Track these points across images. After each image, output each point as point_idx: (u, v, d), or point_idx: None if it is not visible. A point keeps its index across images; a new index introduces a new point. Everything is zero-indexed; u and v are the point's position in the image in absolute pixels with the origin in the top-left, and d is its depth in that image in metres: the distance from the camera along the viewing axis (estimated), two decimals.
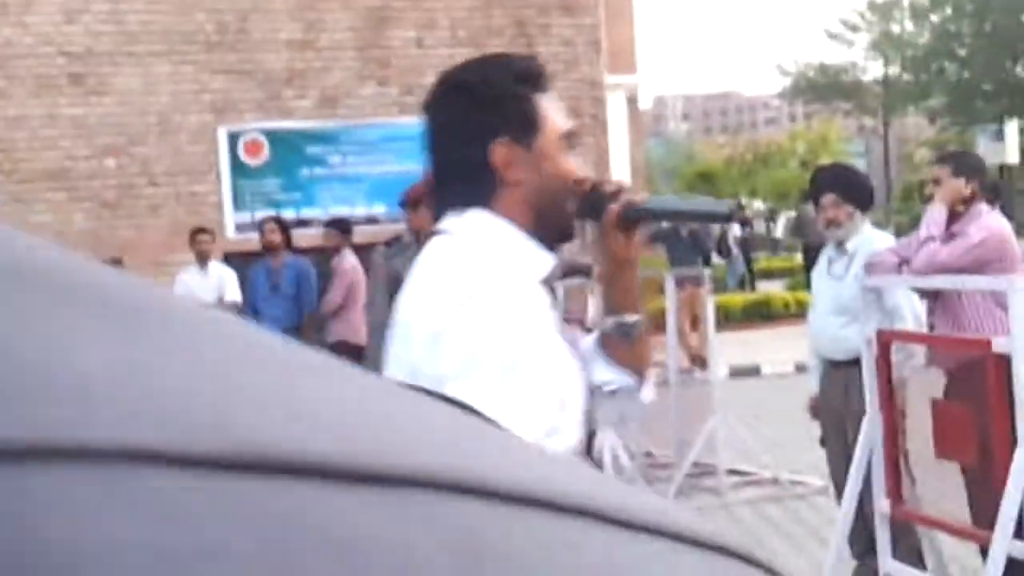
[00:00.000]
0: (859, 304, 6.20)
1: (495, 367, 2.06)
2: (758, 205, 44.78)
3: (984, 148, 34.38)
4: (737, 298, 22.43)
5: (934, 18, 47.82)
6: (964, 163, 6.33)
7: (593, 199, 2.38)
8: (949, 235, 6.03)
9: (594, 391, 2.33)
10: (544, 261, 2.31)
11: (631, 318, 2.44)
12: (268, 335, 0.36)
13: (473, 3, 15.29)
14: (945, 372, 5.86)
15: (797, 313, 19.00)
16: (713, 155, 57.52)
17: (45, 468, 0.25)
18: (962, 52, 45.97)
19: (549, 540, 0.31)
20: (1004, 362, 5.12)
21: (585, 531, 0.32)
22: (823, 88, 60.56)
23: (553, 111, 2.37)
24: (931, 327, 6.26)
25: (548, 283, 2.32)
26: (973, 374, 5.39)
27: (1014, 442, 5.08)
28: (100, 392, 0.27)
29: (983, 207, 6.18)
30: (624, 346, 2.42)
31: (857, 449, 6.06)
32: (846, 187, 6.68)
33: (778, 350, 17.26)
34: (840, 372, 6.53)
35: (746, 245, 29.43)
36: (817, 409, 6.91)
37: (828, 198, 6.58)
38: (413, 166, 14.19)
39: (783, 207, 48.69)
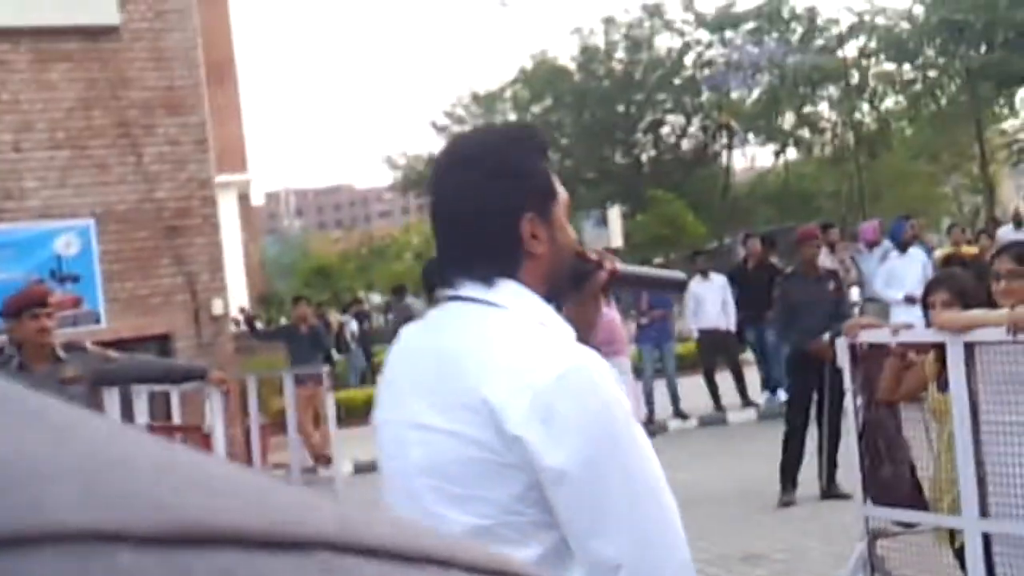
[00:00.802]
0: None
1: (626, 434, 2.11)
2: (375, 299, 45.06)
3: (589, 234, 35.71)
4: (359, 393, 22.41)
5: (535, 109, 49.50)
6: None
7: (576, 267, 2.41)
8: None
9: None
10: (569, 331, 2.30)
11: None
12: (97, 416, 0.37)
13: (71, 104, 14.86)
14: None
15: None
16: (328, 250, 57.69)
17: (27, 554, 0.28)
18: (564, 142, 47.74)
19: None
20: None
21: None
22: None
23: (555, 180, 2.37)
24: None
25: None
26: None
27: None
28: (47, 476, 0.30)
29: None
30: None
31: None
32: None
33: None
34: None
35: (365, 339, 29.50)
36: None
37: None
38: (12, 275, 13.65)
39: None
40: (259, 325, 22.39)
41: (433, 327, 2.33)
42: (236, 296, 19.95)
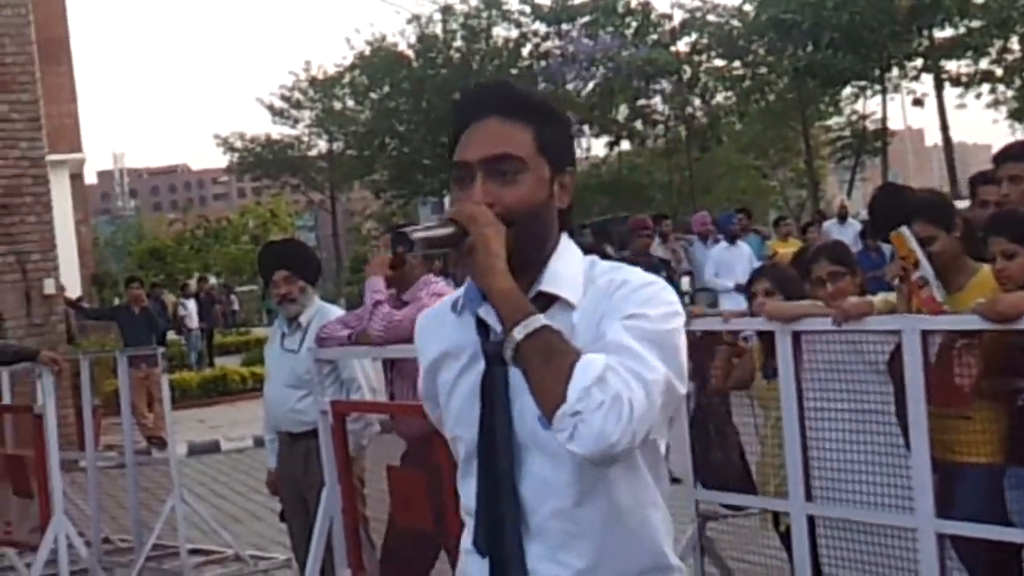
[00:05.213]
0: (314, 376, 6.28)
1: None
2: (213, 280, 44.40)
3: (426, 219, 35.71)
4: (193, 375, 22.17)
5: (373, 95, 49.24)
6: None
7: None
8: (400, 301, 6.11)
9: None
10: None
11: None
12: None
13: None
14: (404, 439, 5.99)
15: (255, 388, 19.02)
16: (163, 231, 56.63)
17: None
18: (402, 129, 47.57)
19: None
20: None
21: None
22: (270, 163, 61.00)
23: (460, 147, 2.36)
24: (392, 396, 6.36)
25: None
26: (427, 440, 5.56)
27: None
28: None
29: (430, 275, 6.36)
30: None
31: (317, 520, 6.13)
32: (297, 262, 6.77)
33: (236, 425, 17.22)
34: (299, 444, 6.58)
35: (209, 321, 29.20)
36: (276, 483, 6.93)
37: (280, 274, 6.64)
38: None
39: (236, 282, 48.58)
40: (85, 305, 21.99)
41: None
42: (68, 277, 19.60)
